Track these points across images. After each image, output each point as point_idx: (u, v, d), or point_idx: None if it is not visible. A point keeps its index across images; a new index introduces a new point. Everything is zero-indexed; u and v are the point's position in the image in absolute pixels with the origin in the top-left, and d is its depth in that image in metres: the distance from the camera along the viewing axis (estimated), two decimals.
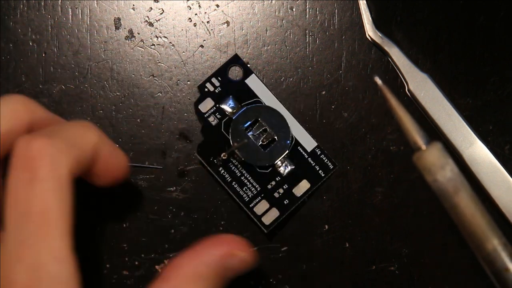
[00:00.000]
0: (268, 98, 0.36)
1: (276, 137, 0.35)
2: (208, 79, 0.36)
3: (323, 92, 0.37)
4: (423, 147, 0.29)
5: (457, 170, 0.28)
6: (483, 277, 0.36)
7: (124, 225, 0.36)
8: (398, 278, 0.36)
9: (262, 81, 0.36)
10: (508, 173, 0.36)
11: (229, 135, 0.35)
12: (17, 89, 0.36)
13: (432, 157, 0.28)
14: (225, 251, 0.30)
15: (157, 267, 0.36)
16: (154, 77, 0.36)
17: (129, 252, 0.36)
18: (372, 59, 0.37)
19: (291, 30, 0.37)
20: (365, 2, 0.36)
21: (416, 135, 0.29)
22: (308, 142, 0.36)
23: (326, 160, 0.36)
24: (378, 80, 0.29)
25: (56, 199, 0.26)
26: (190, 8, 0.37)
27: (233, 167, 0.35)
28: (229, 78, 0.36)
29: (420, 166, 0.29)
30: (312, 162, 0.36)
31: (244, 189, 0.35)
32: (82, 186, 0.36)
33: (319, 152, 0.36)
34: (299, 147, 0.36)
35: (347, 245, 0.36)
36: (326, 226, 0.36)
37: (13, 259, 0.26)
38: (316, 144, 0.36)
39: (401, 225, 0.36)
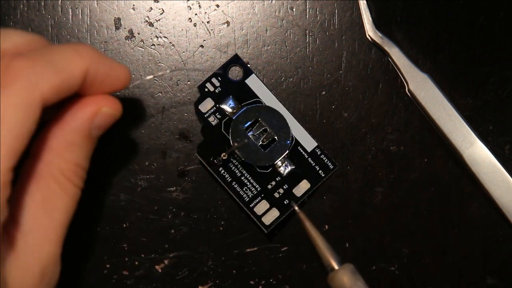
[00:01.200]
0: (268, 98, 0.36)
1: (276, 137, 0.35)
2: (208, 79, 0.36)
3: (323, 92, 0.37)
4: (336, 267, 0.32)
5: None
6: (482, 278, 0.36)
7: (124, 225, 0.36)
8: (398, 278, 0.36)
9: (262, 81, 0.36)
10: (508, 173, 0.36)
11: (229, 135, 0.35)
12: None
13: (342, 278, 0.32)
14: (92, 111, 0.30)
15: (157, 267, 0.36)
16: (154, 77, 0.36)
17: (129, 252, 0.36)
18: (372, 59, 0.37)
19: (291, 30, 0.37)
20: (365, 2, 0.36)
21: (330, 256, 0.33)
22: (308, 142, 0.36)
23: (326, 160, 0.36)
24: (296, 207, 0.34)
25: (14, 117, 0.26)
26: (190, 8, 0.37)
27: (233, 167, 0.35)
28: (229, 78, 0.36)
29: (332, 286, 0.32)
30: (312, 162, 0.36)
31: (244, 189, 0.35)
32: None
33: (319, 152, 0.36)
34: (299, 147, 0.36)
35: (347, 245, 0.36)
36: (326, 226, 0.36)
37: None
38: (316, 144, 0.36)
39: (401, 225, 0.36)
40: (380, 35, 0.36)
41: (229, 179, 0.35)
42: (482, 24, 0.37)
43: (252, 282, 0.36)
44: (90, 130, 0.30)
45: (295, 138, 0.36)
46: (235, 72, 0.36)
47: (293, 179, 0.35)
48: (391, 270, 0.36)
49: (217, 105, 0.36)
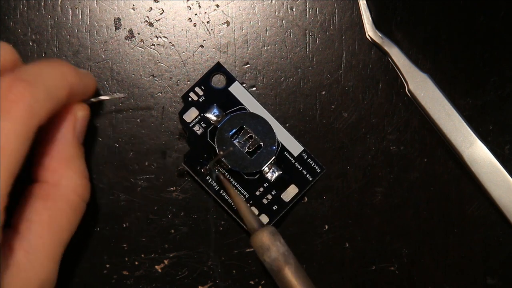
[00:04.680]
0: (252, 105, 0.36)
1: (262, 144, 0.35)
2: (192, 89, 0.36)
3: (323, 92, 0.37)
4: (257, 230, 0.33)
5: (283, 250, 0.33)
6: (482, 277, 0.36)
7: (124, 225, 0.36)
8: (398, 278, 0.36)
9: (246, 88, 0.36)
10: (508, 173, 0.36)
11: (215, 144, 0.35)
12: None
13: (261, 240, 0.33)
14: (73, 120, 0.32)
15: (157, 267, 0.36)
16: (154, 77, 0.36)
17: (129, 252, 0.36)
18: (372, 59, 0.37)
19: (291, 30, 0.37)
20: (365, 2, 0.36)
21: (252, 219, 0.34)
22: (295, 147, 0.36)
23: (313, 164, 0.36)
24: (221, 176, 0.34)
25: (15, 143, 0.27)
26: (190, 8, 0.37)
27: (221, 176, 0.35)
28: (212, 87, 0.36)
29: (254, 247, 0.33)
30: (299, 167, 0.36)
31: None
32: None
33: (305, 157, 0.36)
34: (285, 152, 0.36)
35: (347, 245, 0.36)
36: (326, 226, 0.36)
37: None
38: (302, 148, 0.36)
39: (401, 225, 0.36)
40: (380, 35, 0.36)
41: (216, 188, 0.35)
42: (482, 24, 0.37)
43: (252, 282, 0.36)
44: (78, 138, 0.32)
45: (281, 144, 0.36)
46: (218, 80, 0.36)
47: (281, 184, 0.35)
48: (391, 270, 0.36)
49: (202, 114, 0.35)
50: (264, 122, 0.35)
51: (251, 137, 0.35)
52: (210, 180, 0.35)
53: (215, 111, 0.35)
